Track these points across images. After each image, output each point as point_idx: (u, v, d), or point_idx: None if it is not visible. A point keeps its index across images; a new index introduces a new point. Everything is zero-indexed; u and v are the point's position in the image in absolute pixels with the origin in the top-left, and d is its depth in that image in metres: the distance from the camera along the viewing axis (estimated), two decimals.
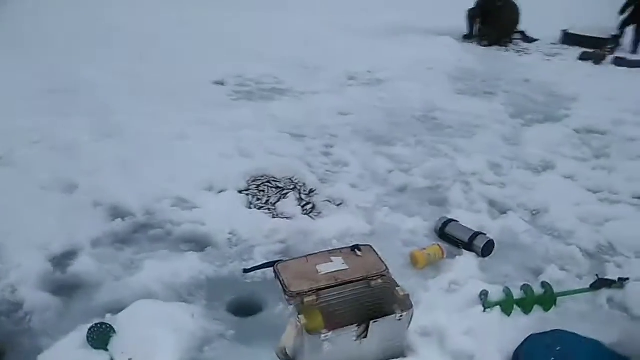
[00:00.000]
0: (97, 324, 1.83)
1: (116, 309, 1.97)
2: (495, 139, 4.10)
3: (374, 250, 1.97)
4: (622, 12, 7.56)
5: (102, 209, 2.76)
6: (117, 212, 2.73)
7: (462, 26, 8.39)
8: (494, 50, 7.72)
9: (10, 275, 2.18)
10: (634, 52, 7.55)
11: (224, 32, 7.39)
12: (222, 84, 5.18)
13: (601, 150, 3.94)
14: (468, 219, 2.71)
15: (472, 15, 8.20)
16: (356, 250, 1.94)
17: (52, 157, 3.27)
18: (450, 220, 2.64)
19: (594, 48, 7.41)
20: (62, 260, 2.36)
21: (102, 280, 2.24)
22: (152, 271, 2.29)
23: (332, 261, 1.88)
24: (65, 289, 2.19)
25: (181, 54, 6.17)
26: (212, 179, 3.05)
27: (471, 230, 2.54)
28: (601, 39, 7.80)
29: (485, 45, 7.86)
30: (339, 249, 2.00)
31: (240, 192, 2.95)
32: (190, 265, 2.35)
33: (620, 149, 3.93)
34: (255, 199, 2.88)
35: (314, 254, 1.96)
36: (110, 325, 1.83)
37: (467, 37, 8.23)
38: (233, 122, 4.02)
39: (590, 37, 7.88)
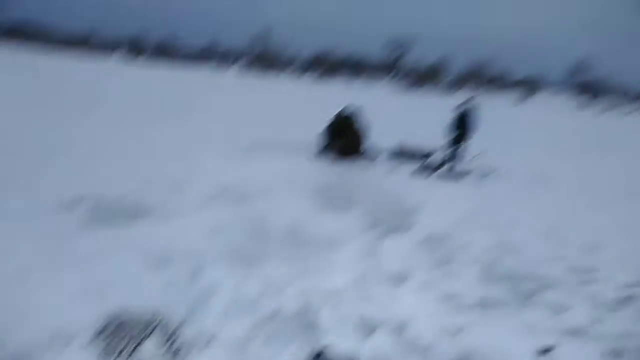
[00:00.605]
0: None
1: None
2: (356, 252, 4.37)
3: None
4: (452, 130, 9.08)
5: None
6: None
7: (317, 142, 9.22)
8: (346, 165, 8.53)
9: None
10: (456, 164, 9.00)
11: (81, 144, 6.98)
12: (73, 205, 4.75)
13: (444, 257, 4.44)
14: (340, 343, 2.74)
15: (327, 132, 9.12)
16: None
17: None
18: (323, 349, 2.64)
19: (424, 160, 8.77)
20: None
21: None
22: None
23: None
24: None
25: (26, 167, 5.59)
26: (56, 328, 2.65)
27: (347, 355, 2.57)
28: (428, 152, 9.26)
29: (339, 159, 8.67)
30: None
31: (91, 342, 2.60)
32: None
33: (460, 254, 4.48)
34: (109, 350, 2.55)
35: None
36: None
37: (323, 152, 9.03)
38: (85, 253, 3.65)
39: (416, 152, 9.31)
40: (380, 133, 9.72)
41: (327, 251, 4.35)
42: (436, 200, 6.35)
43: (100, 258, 3.63)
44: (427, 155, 9.35)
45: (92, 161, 6.39)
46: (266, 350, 2.71)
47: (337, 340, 2.81)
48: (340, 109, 9.25)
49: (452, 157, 9.06)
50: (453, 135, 9.03)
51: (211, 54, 63.66)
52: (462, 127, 8.95)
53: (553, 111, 32.22)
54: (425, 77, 52.61)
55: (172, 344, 2.64)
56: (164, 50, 61.38)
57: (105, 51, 60.12)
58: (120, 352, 2.52)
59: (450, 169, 8.40)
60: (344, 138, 9.01)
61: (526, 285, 3.85)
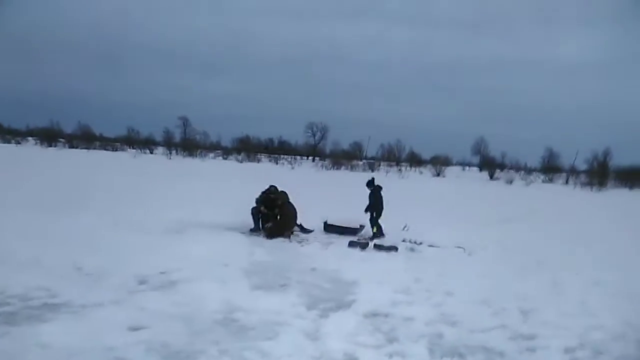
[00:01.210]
0: None
1: None
2: (298, 337, 4.08)
3: None
4: (366, 211, 9.41)
5: None
6: None
7: (247, 221, 9.00)
8: (279, 242, 8.33)
9: None
10: (381, 237, 9.16)
11: None
12: None
13: (390, 334, 4.29)
14: None
15: (256, 211, 8.96)
16: None
17: None
18: None
19: (350, 235, 8.87)
20: None
21: None
22: None
23: None
24: None
25: None
26: None
27: None
28: (354, 228, 9.39)
29: (270, 237, 8.47)
30: None
31: None
32: None
33: (404, 331, 4.35)
34: None
35: None
36: None
37: (254, 231, 8.80)
38: None
39: (346, 227, 9.41)
40: (309, 209, 9.72)
41: (266, 338, 4.03)
42: (372, 275, 6.27)
43: None
44: (357, 230, 9.45)
45: None
46: None
47: None
48: (267, 188, 9.22)
49: (377, 231, 9.24)
50: (371, 211, 9.38)
51: (131, 141, 62.54)
52: (374, 203, 9.41)
53: (465, 183, 34.83)
54: (344, 157, 55.38)
55: None
56: (81, 137, 59.21)
57: (17, 139, 56.52)
58: None
59: (382, 243, 8.49)
60: (274, 216, 8.91)
61: (475, 359, 3.78)
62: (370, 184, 9.68)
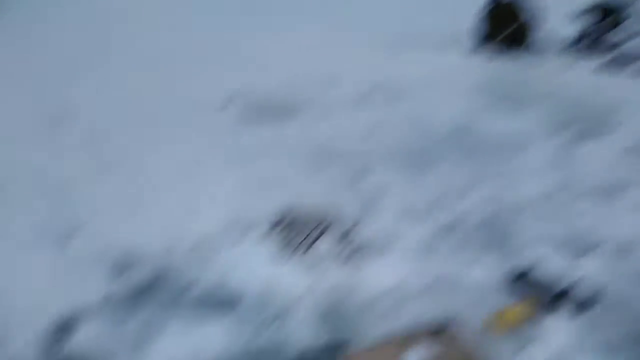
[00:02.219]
0: None
1: None
2: (545, 159, 3.62)
3: (462, 333, 1.50)
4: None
5: (103, 263, 2.30)
6: (119, 267, 2.28)
7: (474, 32, 7.98)
8: (510, 58, 7.28)
9: None
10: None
11: (224, 45, 6.98)
12: (227, 104, 4.72)
13: None
14: (546, 263, 2.25)
15: (485, 20, 7.78)
16: (440, 334, 1.47)
17: (43, 200, 2.81)
18: (528, 267, 2.17)
19: (614, 50, 7.09)
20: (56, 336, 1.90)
21: None
22: (167, 347, 1.83)
23: (410, 352, 1.41)
24: None
25: (180, 72, 5.71)
26: (230, 222, 2.60)
27: (559, 278, 2.08)
28: (611, 43, 7.43)
29: (501, 52, 7.43)
30: (415, 331, 1.52)
31: (265, 237, 2.49)
32: (214, 337, 1.90)
33: None
34: (284, 245, 2.41)
35: (383, 340, 1.49)
36: None
37: (481, 44, 7.80)
38: (245, 151, 3.59)
39: (608, 39, 7.49)
40: (550, 19, 8.02)
41: (505, 156, 3.69)
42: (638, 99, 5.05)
43: (260, 155, 3.53)
44: (618, 44, 7.51)
45: (234, 58, 6.29)
46: (452, 264, 2.34)
47: (541, 259, 2.31)
48: None
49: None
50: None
51: None
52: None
53: None
54: None
55: (348, 243, 2.42)
56: None
57: None
58: (297, 248, 2.37)
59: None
60: (507, 26, 7.64)
61: None
62: None
